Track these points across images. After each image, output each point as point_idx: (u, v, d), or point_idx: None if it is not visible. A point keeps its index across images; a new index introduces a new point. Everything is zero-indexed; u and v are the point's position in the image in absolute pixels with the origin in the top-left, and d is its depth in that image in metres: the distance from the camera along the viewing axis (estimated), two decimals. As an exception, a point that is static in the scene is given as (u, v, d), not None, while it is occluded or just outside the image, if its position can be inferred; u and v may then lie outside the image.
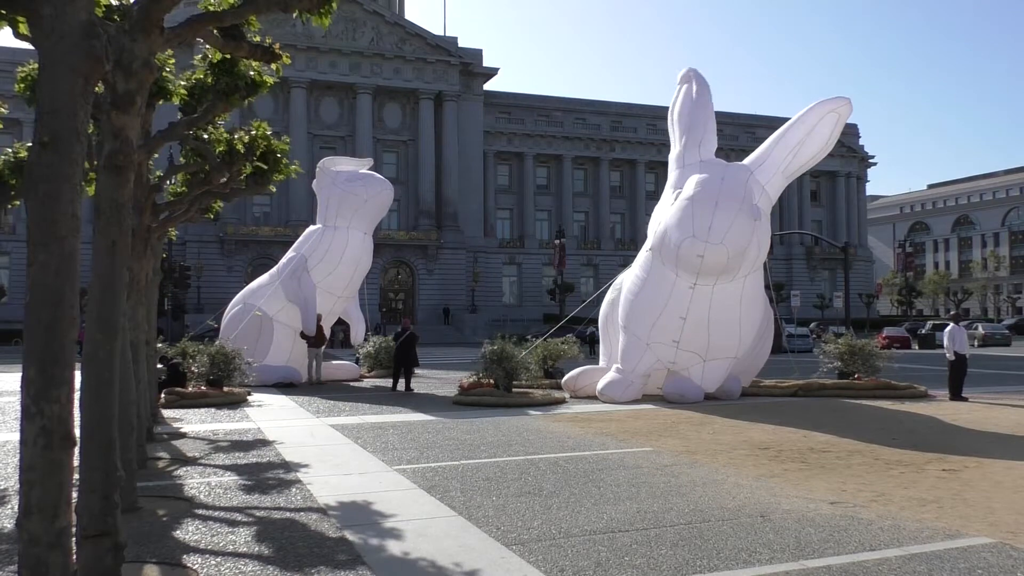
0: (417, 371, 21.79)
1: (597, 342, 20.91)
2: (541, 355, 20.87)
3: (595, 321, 20.67)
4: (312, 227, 24.10)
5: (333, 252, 22.76)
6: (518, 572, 5.77)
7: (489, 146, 76.12)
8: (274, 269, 24.03)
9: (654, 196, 61.55)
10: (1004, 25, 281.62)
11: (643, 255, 18.12)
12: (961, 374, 17.77)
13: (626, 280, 18.39)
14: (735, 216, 15.99)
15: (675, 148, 18.31)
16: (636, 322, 17.38)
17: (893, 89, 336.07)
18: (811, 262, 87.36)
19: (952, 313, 20.81)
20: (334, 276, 22.82)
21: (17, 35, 6.11)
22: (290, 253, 23.79)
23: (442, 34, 72.42)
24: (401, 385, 20.77)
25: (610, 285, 19.54)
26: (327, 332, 23.53)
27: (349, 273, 23.22)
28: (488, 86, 76.52)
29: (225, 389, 18.45)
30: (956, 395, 17.59)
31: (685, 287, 16.63)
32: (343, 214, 22.97)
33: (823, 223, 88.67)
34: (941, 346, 19.40)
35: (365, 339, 26.39)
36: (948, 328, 18.55)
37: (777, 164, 17.08)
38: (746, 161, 17.88)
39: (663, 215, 17.28)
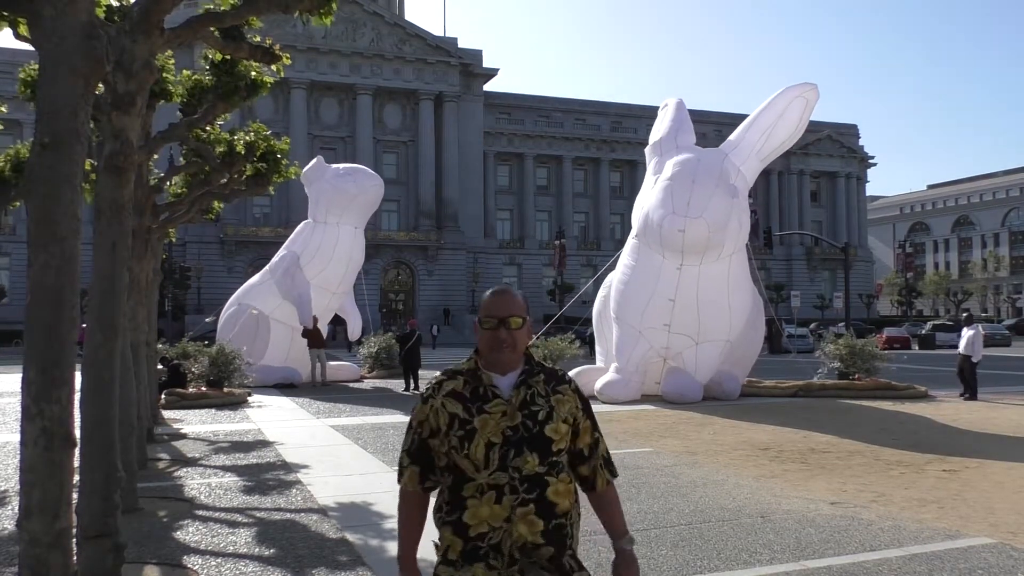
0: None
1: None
2: (542, 355, 20.87)
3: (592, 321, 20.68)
4: (303, 223, 24.06)
5: (324, 248, 22.76)
6: (518, 573, 5.76)
7: (489, 147, 76.11)
8: (267, 267, 24.00)
9: (654, 197, 61.33)
10: (1005, 25, 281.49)
11: (630, 243, 18.57)
12: (962, 373, 17.92)
13: (615, 272, 18.70)
14: (713, 191, 16.60)
15: (654, 137, 19.01)
16: (627, 310, 17.67)
17: (893, 89, 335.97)
18: (811, 262, 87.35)
19: (965, 315, 20.93)
20: (327, 272, 22.83)
21: (18, 36, 6.11)
22: (282, 251, 23.77)
23: (442, 35, 72.42)
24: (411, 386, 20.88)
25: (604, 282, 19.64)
26: (323, 330, 23.49)
27: (342, 269, 23.24)
28: (488, 87, 76.52)
29: (225, 390, 18.46)
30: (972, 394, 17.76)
31: (672, 269, 17.02)
32: (333, 210, 22.96)
33: (823, 223, 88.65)
34: (951, 347, 19.60)
35: (361, 340, 26.33)
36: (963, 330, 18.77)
37: (751, 147, 17.63)
38: (721, 146, 18.46)
39: (645, 200, 17.83)
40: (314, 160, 24.08)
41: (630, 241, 18.62)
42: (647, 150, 19.17)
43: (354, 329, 25.34)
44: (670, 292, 17.05)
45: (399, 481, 2.71)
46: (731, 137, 18.29)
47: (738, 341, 17.98)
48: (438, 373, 2.75)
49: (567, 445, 2.64)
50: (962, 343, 18.24)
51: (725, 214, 16.56)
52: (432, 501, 2.73)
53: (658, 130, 19.01)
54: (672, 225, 16.50)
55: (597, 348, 20.18)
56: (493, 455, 2.54)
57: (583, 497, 2.73)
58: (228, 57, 9.14)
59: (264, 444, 12.18)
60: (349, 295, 24.59)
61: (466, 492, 2.56)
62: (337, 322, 27.13)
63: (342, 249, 22.98)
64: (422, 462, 2.68)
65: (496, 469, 2.53)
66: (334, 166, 24.09)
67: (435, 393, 2.66)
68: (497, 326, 2.62)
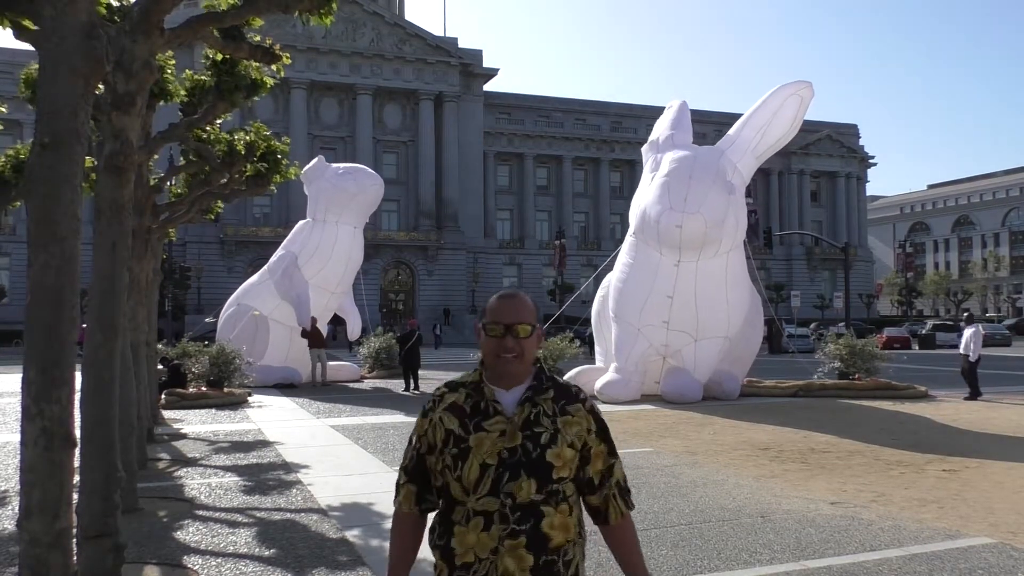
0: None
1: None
2: (541, 355, 20.83)
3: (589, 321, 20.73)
4: (302, 222, 23.99)
5: (323, 248, 22.67)
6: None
7: (489, 147, 76.10)
8: (265, 267, 23.89)
9: (654, 196, 61.31)
10: (1005, 26, 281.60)
11: (628, 241, 18.71)
12: (966, 374, 18.03)
13: (614, 271, 18.84)
14: (709, 186, 16.71)
15: (653, 137, 19.19)
16: (626, 307, 17.76)
17: (893, 89, 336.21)
18: (811, 262, 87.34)
19: (967, 315, 21.07)
20: (326, 272, 22.74)
21: (18, 36, 6.10)
22: (280, 251, 23.64)
23: (442, 35, 72.40)
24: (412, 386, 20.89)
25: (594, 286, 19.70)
26: (323, 330, 23.46)
27: (341, 268, 23.16)
28: (488, 87, 76.49)
29: (225, 390, 18.46)
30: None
31: (670, 265, 17.12)
32: (332, 209, 22.91)
33: (823, 223, 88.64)
34: (951, 347, 19.84)
35: (360, 340, 26.31)
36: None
37: (747, 144, 17.78)
38: (717, 144, 18.63)
39: (642, 197, 17.96)
40: (314, 159, 24.09)
41: (628, 239, 18.73)
42: (644, 149, 19.33)
43: (353, 329, 25.31)
44: (668, 289, 17.15)
45: (395, 501, 2.50)
46: (728, 134, 18.43)
47: (737, 339, 18.01)
48: (442, 384, 2.52)
49: (572, 473, 2.37)
50: (962, 343, 18.40)
51: (722, 210, 16.66)
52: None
53: (657, 130, 19.10)
54: (669, 221, 16.59)
55: (596, 348, 20.21)
56: (486, 478, 2.30)
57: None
58: (228, 57, 9.14)
59: (264, 444, 12.18)
60: (348, 295, 24.53)
61: (455, 516, 2.34)
62: (337, 322, 27.11)
63: (341, 248, 22.92)
64: (419, 481, 2.46)
65: (487, 494, 2.29)
66: (334, 165, 24.12)
67: (435, 406, 2.46)
68: (503, 333, 2.39)
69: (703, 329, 17.28)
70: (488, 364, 2.43)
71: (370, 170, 24.99)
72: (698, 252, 16.84)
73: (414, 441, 2.46)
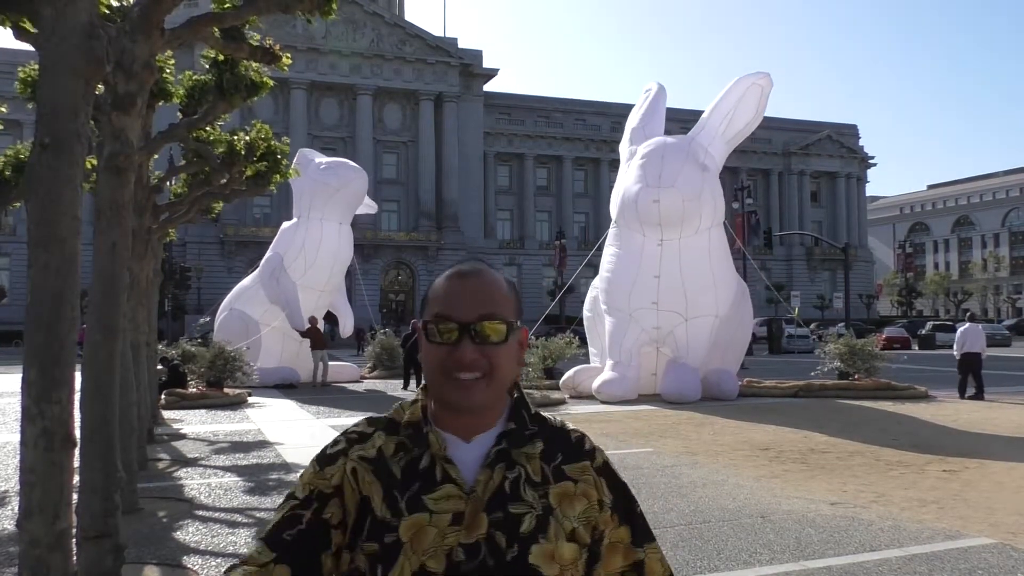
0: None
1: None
2: (541, 356, 20.85)
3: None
4: (287, 223, 23.55)
5: (309, 246, 22.26)
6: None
7: (489, 147, 76.17)
8: (256, 271, 23.55)
9: (654, 197, 61.46)
10: (1005, 26, 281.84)
11: (611, 232, 19.27)
12: (964, 373, 17.98)
13: (601, 268, 19.28)
14: (683, 163, 17.53)
15: (629, 124, 19.84)
16: (616, 294, 18.22)
17: (893, 89, 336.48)
18: (811, 263, 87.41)
19: (969, 314, 21.24)
20: (313, 271, 22.35)
21: (18, 36, 6.10)
22: (269, 252, 23.20)
23: (442, 35, 72.50)
24: (413, 385, 20.87)
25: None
26: (320, 328, 23.26)
27: (328, 266, 22.72)
28: (488, 87, 76.57)
29: (225, 390, 18.46)
30: (962, 394, 17.82)
31: (654, 245, 17.67)
32: (316, 205, 22.46)
33: (823, 224, 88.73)
34: (950, 347, 19.98)
35: (367, 338, 26.23)
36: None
37: (715, 129, 18.56)
38: (688, 133, 19.40)
39: (620, 185, 18.68)
40: (297, 154, 23.28)
41: (611, 229, 19.25)
42: (621, 146, 19.85)
43: (346, 326, 24.86)
44: (654, 269, 17.58)
45: None
46: (697, 123, 19.11)
47: (727, 320, 18.17)
48: (362, 419, 1.55)
49: None
50: (961, 342, 18.42)
51: (697, 184, 17.34)
52: None
53: (633, 118, 19.72)
54: (647, 197, 17.24)
55: (591, 349, 20.31)
56: None
57: None
58: (229, 57, 9.14)
59: (264, 444, 12.18)
60: (341, 292, 24.16)
61: None
62: (334, 322, 26.88)
63: (327, 246, 22.45)
64: (297, 562, 1.40)
65: None
66: (317, 160, 23.40)
67: (347, 447, 1.47)
68: (458, 338, 1.39)
69: (692, 308, 17.60)
70: (434, 390, 1.45)
71: (352, 163, 24.39)
72: (679, 229, 17.39)
73: (299, 496, 1.47)
